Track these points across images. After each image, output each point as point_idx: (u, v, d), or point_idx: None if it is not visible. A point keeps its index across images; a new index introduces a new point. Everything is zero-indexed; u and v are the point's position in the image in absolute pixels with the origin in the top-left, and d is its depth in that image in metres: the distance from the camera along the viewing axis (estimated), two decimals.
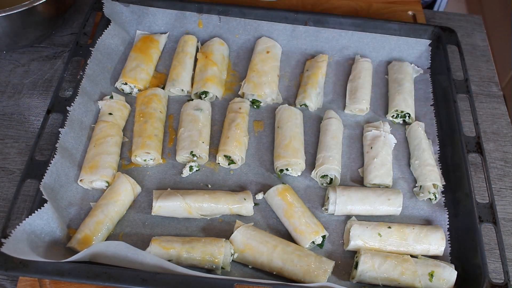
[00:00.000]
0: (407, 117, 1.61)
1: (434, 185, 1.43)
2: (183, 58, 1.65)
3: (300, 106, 1.63)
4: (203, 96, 1.60)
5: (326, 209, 1.39)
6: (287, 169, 1.45)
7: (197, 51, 1.71)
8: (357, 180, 1.49)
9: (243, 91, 1.60)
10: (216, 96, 1.61)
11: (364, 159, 1.51)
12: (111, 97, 1.53)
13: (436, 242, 1.33)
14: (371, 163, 1.47)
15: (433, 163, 1.47)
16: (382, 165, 1.46)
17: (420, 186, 1.45)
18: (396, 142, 1.54)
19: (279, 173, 1.46)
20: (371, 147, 1.50)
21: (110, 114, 1.48)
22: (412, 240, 1.32)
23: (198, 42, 1.73)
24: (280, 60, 1.71)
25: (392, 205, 1.39)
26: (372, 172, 1.45)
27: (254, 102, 1.61)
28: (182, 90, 1.61)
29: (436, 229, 1.35)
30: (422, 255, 1.33)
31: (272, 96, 1.60)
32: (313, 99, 1.60)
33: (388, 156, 1.49)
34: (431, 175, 1.43)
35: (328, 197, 1.40)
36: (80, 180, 1.37)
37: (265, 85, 1.59)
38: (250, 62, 1.68)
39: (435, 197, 1.42)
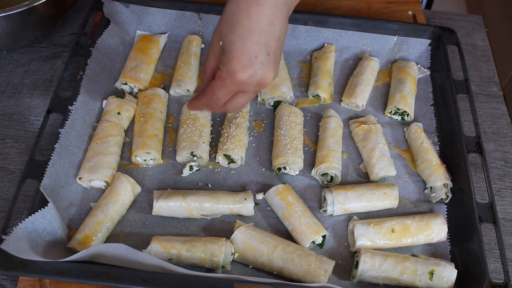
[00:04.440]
0: (405, 116, 1.61)
1: (444, 184, 1.43)
2: (188, 58, 1.65)
3: (313, 97, 1.64)
4: None
5: (325, 211, 1.39)
6: (285, 168, 1.46)
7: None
8: (357, 176, 1.49)
9: (262, 97, 1.61)
10: None
11: (362, 155, 1.51)
12: (120, 97, 1.53)
13: (438, 227, 1.34)
14: (371, 157, 1.47)
15: (438, 162, 1.47)
16: (382, 157, 1.47)
17: (431, 188, 1.45)
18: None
19: (277, 171, 1.46)
20: (366, 142, 1.50)
21: (119, 113, 1.48)
22: (415, 229, 1.33)
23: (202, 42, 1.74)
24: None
25: (388, 198, 1.39)
26: (376, 165, 1.45)
27: (275, 105, 1.60)
28: (188, 90, 1.61)
29: (436, 216, 1.37)
30: (426, 243, 1.35)
31: (290, 93, 1.61)
32: (326, 89, 1.61)
33: (385, 146, 1.50)
34: (440, 175, 1.44)
35: (325, 198, 1.40)
36: (79, 178, 1.37)
37: (281, 84, 1.59)
38: None
39: (447, 196, 1.43)
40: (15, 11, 1.46)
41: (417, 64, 1.74)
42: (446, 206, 1.44)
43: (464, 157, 1.43)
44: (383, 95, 1.69)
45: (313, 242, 1.33)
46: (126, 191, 1.35)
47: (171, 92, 1.61)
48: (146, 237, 1.31)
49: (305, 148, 1.53)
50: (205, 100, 1.14)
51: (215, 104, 1.13)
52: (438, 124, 1.60)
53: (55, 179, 1.30)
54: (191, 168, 1.45)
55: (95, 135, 1.45)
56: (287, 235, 1.35)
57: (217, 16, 1.72)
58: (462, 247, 1.34)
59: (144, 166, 1.46)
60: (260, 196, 1.42)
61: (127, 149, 1.49)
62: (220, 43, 1.07)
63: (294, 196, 1.39)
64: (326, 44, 1.74)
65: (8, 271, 1.13)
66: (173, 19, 1.73)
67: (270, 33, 1.06)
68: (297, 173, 1.47)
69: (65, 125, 1.37)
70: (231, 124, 1.49)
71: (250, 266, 1.29)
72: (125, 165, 1.46)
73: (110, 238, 1.31)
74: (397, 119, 1.63)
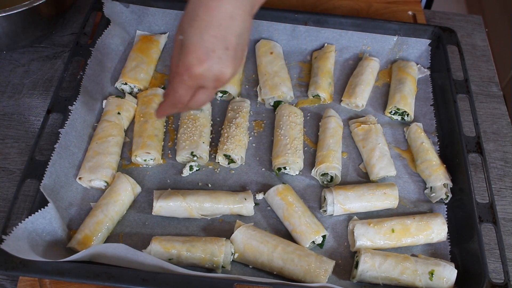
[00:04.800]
0: (405, 116, 1.61)
1: (444, 184, 1.43)
2: None
3: (313, 97, 1.64)
4: (219, 94, 1.61)
5: (325, 211, 1.39)
6: (285, 168, 1.46)
7: None
8: (357, 176, 1.49)
9: (262, 98, 1.61)
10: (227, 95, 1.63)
11: (362, 155, 1.51)
12: (120, 97, 1.53)
13: (438, 227, 1.34)
14: (371, 157, 1.47)
15: (438, 162, 1.47)
16: (382, 157, 1.47)
17: (431, 188, 1.45)
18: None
19: (277, 171, 1.46)
20: (366, 142, 1.50)
21: (119, 113, 1.48)
22: (415, 229, 1.33)
23: None
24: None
25: (388, 198, 1.39)
26: (376, 165, 1.45)
27: (275, 105, 1.60)
28: None
29: (436, 216, 1.37)
30: (426, 243, 1.35)
31: (290, 93, 1.61)
32: (326, 89, 1.61)
33: (384, 146, 1.50)
34: (440, 175, 1.44)
35: (325, 198, 1.40)
36: (79, 178, 1.37)
37: (281, 84, 1.60)
38: (257, 67, 1.68)
39: (447, 196, 1.43)
40: (15, 11, 1.46)
41: (417, 64, 1.74)
42: (446, 206, 1.44)
43: (464, 157, 1.43)
44: (383, 95, 1.69)
45: (313, 242, 1.33)
46: (126, 191, 1.35)
47: None
48: (146, 237, 1.31)
49: (305, 148, 1.53)
50: (168, 101, 1.11)
51: (179, 103, 1.10)
52: (438, 124, 1.60)
53: (55, 179, 1.30)
54: (191, 168, 1.45)
55: (95, 135, 1.45)
56: (287, 235, 1.35)
57: None
58: (462, 247, 1.34)
59: (144, 166, 1.46)
60: (260, 196, 1.42)
61: (127, 149, 1.49)
62: (180, 37, 1.05)
63: (294, 196, 1.39)
64: (326, 44, 1.74)
65: (8, 271, 1.13)
66: (173, 19, 1.73)
67: (230, 28, 1.02)
68: (297, 173, 1.47)
69: (65, 125, 1.37)
70: (231, 124, 1.49)
71: (250, 266, 1.29)
72: (125, 165, 1.46)
73: (110, 238, 1.31)
74: (397, 119, 1.63)
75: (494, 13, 3.09)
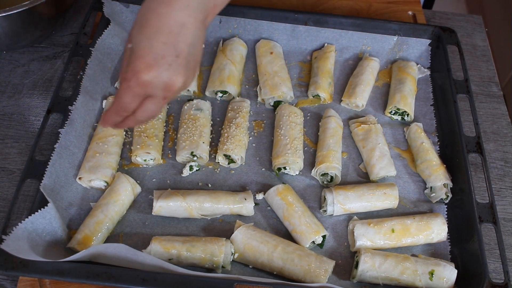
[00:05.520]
0: (405, 116, 1.61)
1: (444, 184, 1.43)
2: None
3: (313, 97, 1.64)
4: (219, 94, 1.61)
5: (325, 211, 1.39)
6: (285, 168, 1.46)
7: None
8: (357, 176, 1.49)
9: (262, 97, 1.61)
10: (226, 95, 1.63)
11: (362, 155, 1.51)
12: None
13: (438, 227, 1.34)
14: (371, 157, 1.47)
15: (438, 162, 1.47)
16: (382, 157, 1.47)
17: (431, 188, 1.45)
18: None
19: (277, 171, 1.46)
20: (366, 142, 1.50)
21: None
22: (415, 229, 1.33)
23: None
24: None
25: (388, 198, 1.39)
26: (376, 165, 1.45)
27: (275, 105, 1.61)
28: (188, 90, 1.61)
29: (436, 216, 1.37)
30: (426, 243, 1.35)
31: (290, 93, 1.61)
32: (326, 89, 1.61)
33: (384, 146, 1.50)
34: (440, 175, 1.44)
35: (325, 198, 1.40)
36: (79, 178, 1.37)
37: (281, 84, 1.60)
38: (258, 67, 1.68)
39: (447, 196, 1.43)
40: (15, 11, 1.46)
41: (417, 64, 1.74)
42: (446, 206, 1.44)
43: (464, 157, 1.43)
44: (383, 95, 1.69)
45: (313, 242, 1.33)
46: (126, 191, 1.35)
47: None
48: (146, 237, 1.31)
49: (305, 148, 1.53)
50: (114, 109, 1.05)
51: (124, 111, 1.04)
52: (438, 124, 1.60)
53: (55, 179, 1.30)
54: (191, 168, 1.45)
55: (95, 135, 1.45)
56: (287, 235, 1.35)
57: (216, 16, 1.71)
58: (462, 247, 1.34)
59: (144, 166, 1.46)
60: (260, 196, 1.42)
61: (127, 149, 1.49)
62: (129, 46, 1.01)
63: (294, 196, 1.39)
64: (326, 44, 1.74)
65: (8, 271, 1.13)
66: None
67: (181, 36, 0.99)
68: (297, 173, 1.47)
69: (65, 125, 1.37)
70: (231, 124, 1.49)
71: (250, 266, 1.29)
72: (125, 165, 1.46)
73: (110, 238, 1.31)
74: (397, 119, 1.63)
75: (494, 13, 3.09)
